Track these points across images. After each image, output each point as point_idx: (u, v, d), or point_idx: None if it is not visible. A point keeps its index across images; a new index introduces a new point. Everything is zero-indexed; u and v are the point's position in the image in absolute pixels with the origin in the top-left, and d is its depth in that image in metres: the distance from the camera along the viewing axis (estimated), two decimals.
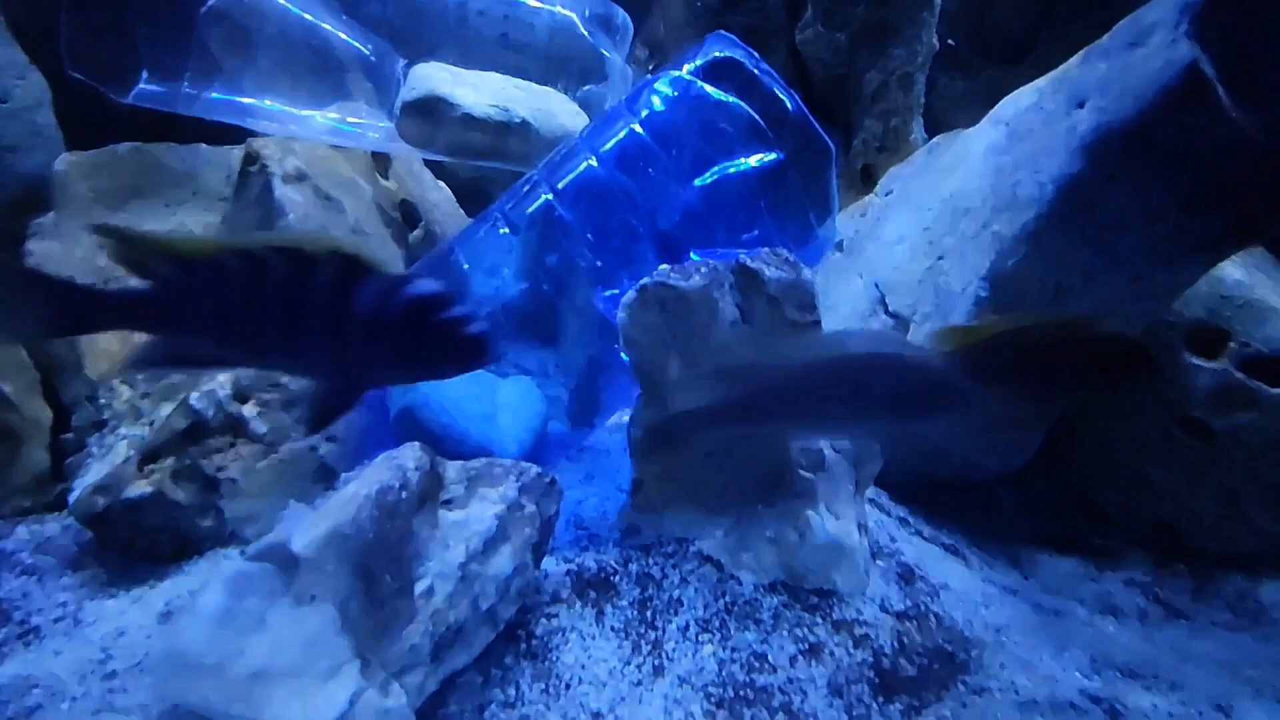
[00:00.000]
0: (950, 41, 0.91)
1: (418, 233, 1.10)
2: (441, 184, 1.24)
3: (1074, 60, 0.66)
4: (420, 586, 0.47)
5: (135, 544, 0.56)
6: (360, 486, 0.47)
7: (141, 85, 0.82)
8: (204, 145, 0.96)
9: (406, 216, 1.08)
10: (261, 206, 0.80)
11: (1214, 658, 0.55)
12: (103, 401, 0.65)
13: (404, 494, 0.48)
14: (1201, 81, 0.55)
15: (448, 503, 0.52)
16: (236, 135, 0.93)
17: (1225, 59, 0.54)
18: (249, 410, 0.61)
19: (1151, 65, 0.57)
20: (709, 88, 0.65)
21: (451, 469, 0.54)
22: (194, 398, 0.59)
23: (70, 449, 0.64)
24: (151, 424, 0.66)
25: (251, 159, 0.82)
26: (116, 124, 0.90)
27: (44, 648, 0.48)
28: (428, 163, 1.17)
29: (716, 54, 0.66)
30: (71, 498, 0.56)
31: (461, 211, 1.24)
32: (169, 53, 0.83)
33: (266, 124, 0.92)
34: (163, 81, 0.84)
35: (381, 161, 1.08)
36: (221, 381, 0.61)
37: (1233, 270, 0.66)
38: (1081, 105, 0.62)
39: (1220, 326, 0.65)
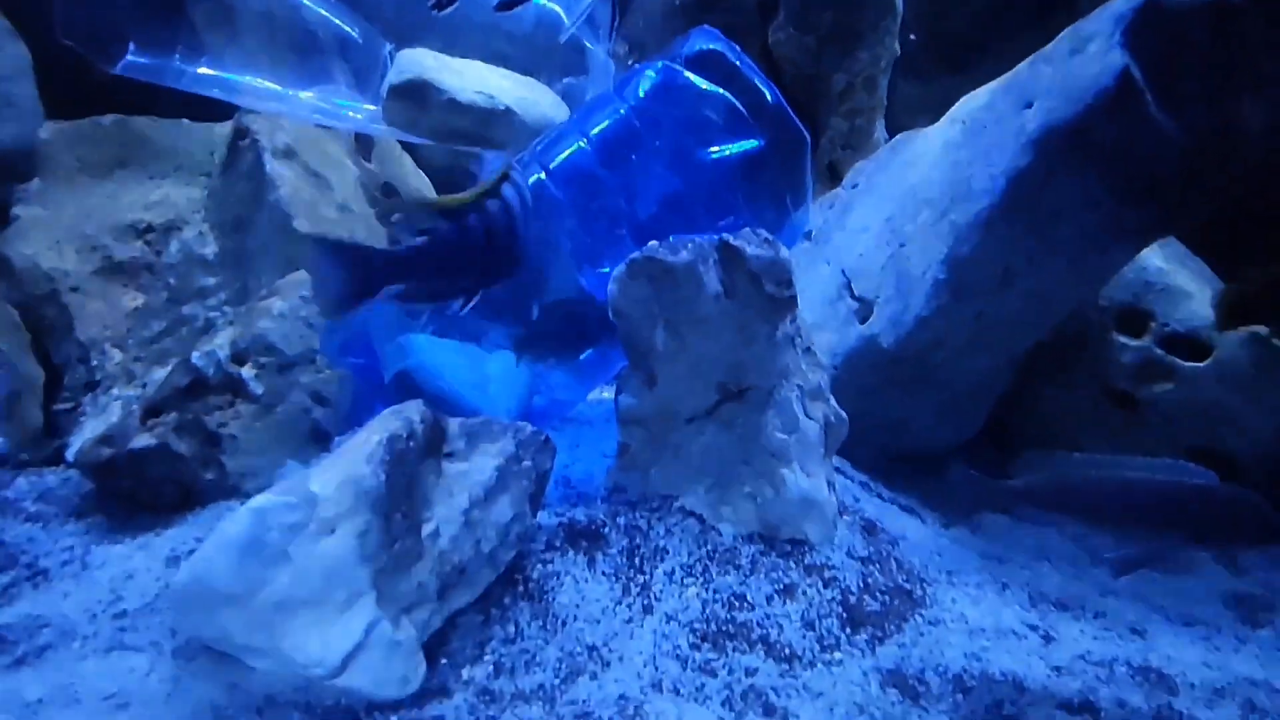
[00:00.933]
0: (912, 36, 0.98)
1: (399, 216, 1.12)
2: (419, 171, 1.26)
3: (1022, 65, 0.73)
4: (427, 529, 0.50)
5: (139, 494, 0.57)
6: (371, 433, 0.50)
7: (129, 57, 0.83)
8: (186, 120, 0.96)
9: (389, 198, 1.10)
10: (253, 180, 0.81)
11: (1131, 592, 0.62)
12: (94, 363, 0.66)
13: (411, 442, 0.51)
14: (1131, 86, 0.62)
15: (450, 455, 0.55)
16: (215, 113, 0.94)
17: (1152, 67, 0.62)
18: (247, 371, 0.63)
19: (1089, 70, 0.64)
20: (694, 77, 0.70)
21: (453, 425, 0.57)
22: (195, 356, 0.60)
23: (64, 408, 0.65)
24: (144, 386, 0.67)
25: (242, 134, 0.84)
26: (99, 97, 0.89)
27: (53, 589, 0.50)
28: (405, 148, 1.19)
29: (702, 46, 0.70)
30: (69, 452, 0.57)
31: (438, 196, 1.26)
32: (157, 26, 0.84)
33: (252, 100, 0.93)
34: (150, 54, 0.84)
35: (363, 145, 1.09)
36: (219, 343, 0.63)
37: (1154, 259, 0.74)
38: (1029, 105, 0.69)
39: (1144, 308, 0.73)
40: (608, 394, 0.91)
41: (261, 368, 0.64)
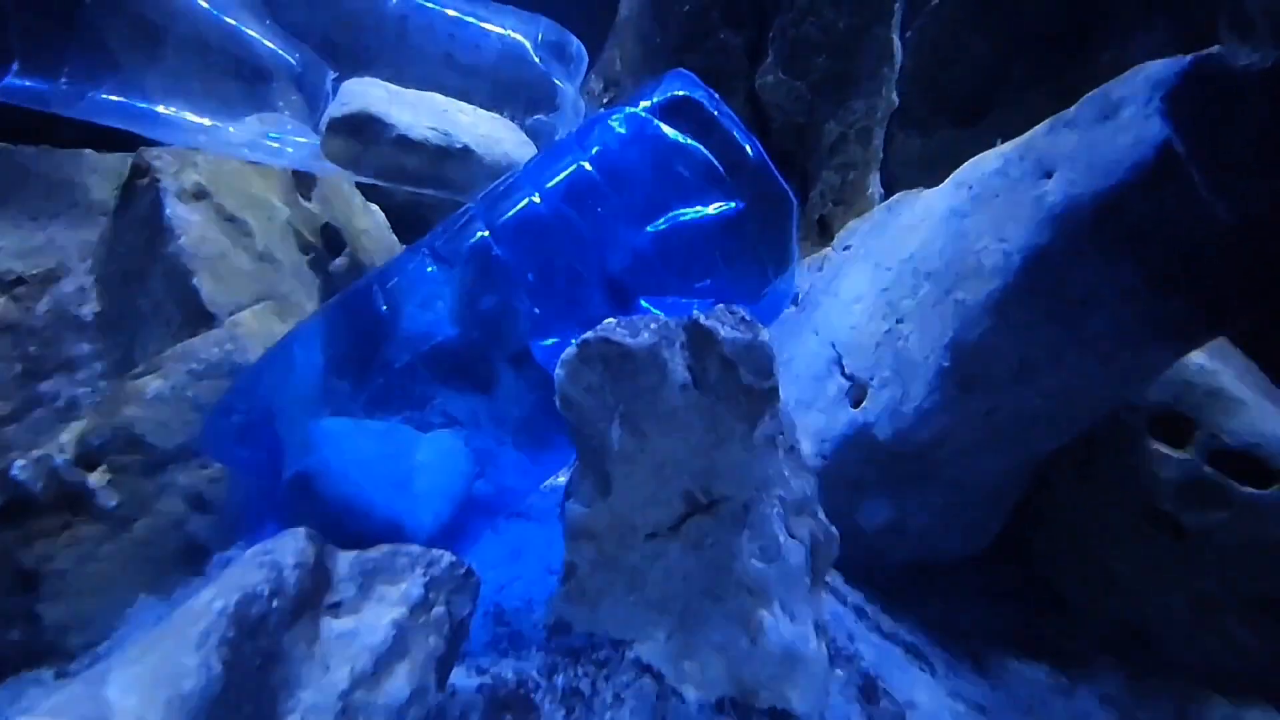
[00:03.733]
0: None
1: (341, 260, 1.00)
2: (374, 207, 1.15)
3: (1039, 129, 0.64)
4: None
5: None
6: (216, 597, 0.37)
7: (9, 79, 0.70)
8: (90, 151, 0.84)
9: (329, 242, 0.98)
10: (149, 226, 0.69)
11: None
12: None
13: (274, 602, 0.39)
14: (1174, 159, 0.53)
15: (334, 606, 0.43)
16: (129, 144, 0.82)
17: (1196, 138, 0.53)
18: (96, 479, 0.50)
19: (1122, 140, 0.55)
20: (666, 127, 0.59)
21: (343, 562, 0.45)
22: (17, 466, 0.47)
23: None
24: None
25: (140, 171, 0.72)
26: None
27: None
28: (360, 184, 1.08)
29: (676, 92, 0.60)
30: None
31: (394, 238, 1.15)
32: (48, 43, 0.72)
33: (169, 133, 0.81)
34: (38, 76, 0.72)
35: (305, 181, 0.98)
36: (63, 442, 0.50)
37: (1195, 355, 0.64)
38: (1049, 175, 0.60)
39: (1186, 414, 0.63)
40: (563, 478, 0.79)
41: (119, 471, 0.52)
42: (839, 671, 0.53)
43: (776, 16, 0.96)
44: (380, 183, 0.91)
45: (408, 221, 1.19)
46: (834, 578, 0.66)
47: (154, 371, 0.57)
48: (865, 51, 0.91)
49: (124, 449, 0.52)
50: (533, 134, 1.00)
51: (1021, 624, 0.64)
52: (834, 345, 0.79)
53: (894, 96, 0.93)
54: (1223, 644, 0.60)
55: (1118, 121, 0.56)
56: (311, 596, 0.42)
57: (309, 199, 0.98)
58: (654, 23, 1.02)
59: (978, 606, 0.65)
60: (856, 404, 0.74)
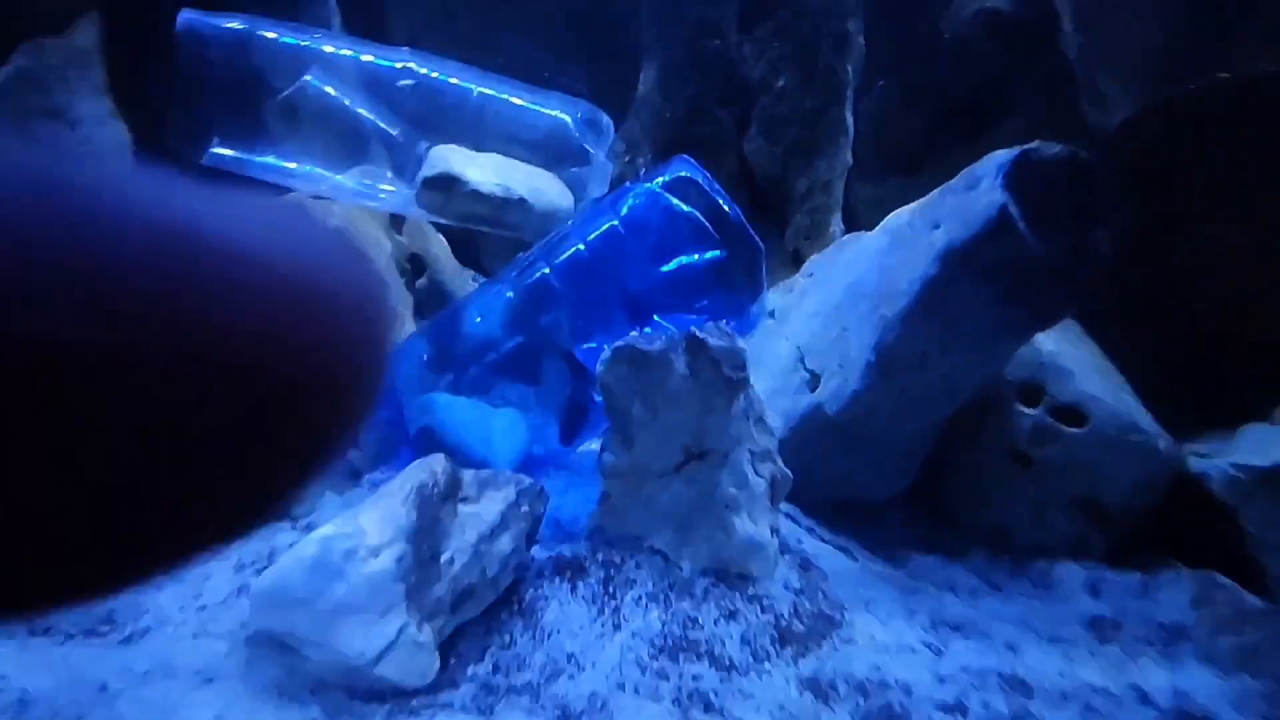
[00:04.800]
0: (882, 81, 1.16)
1: (423, 281, 1.30)
2: (441, 237, 1.44)
3: (934, 193, 0.90)
4: (444, 557, 0.65)
5: None
6: (404, 481, 0.65)
7: (212, 150, 1.01)
8: None
9: (415, 266, 1.28)
10: None
11: (1014, 616, 0.76)
12: None
13: (434, 489, 0.66)
14: (1008, 216, 0.79)
15: (465, 499, 0.70)
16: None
17: (1024, 202, 0.79)
18: None
19: (980, 203, 0.82)
20: (673, 199, 0.87)
21: (467, 475, 0.72)
22: None
23: None
24: None
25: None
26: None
27: (149, 584, 0.63)
28: (431, 223, 1.37)
29: (680, 174, 0.89)
30: None
31: (456, 262, 1.44)
32: (237, 123, 1.03)
33: (302, 184, 1.11)
34: (230, 147, 1.03)
35: (397, 221, 1.28)
36: None
37: (1047, 343, 0.90)
38: (938, 226, 0.87)
39: (1038, 384, 0.90)
40: (594, 446, 1.06)
41: None
42: (786, 556, 0.79)
43: (759, 99, 1.25)
44: (457, 224, 1.20)
45: (462, 249, 1.48)
46: (794, 511, 0.92)
47: None
48: (825, 125, 1.19)
49: None
50: (570, 184, 1.29)
51: (924, 537, 0.89)
52: (799, 348, 1.06)
53: (849, 157, 1.20)
54: (1047, 529, 0.88)
55: (978, 190, 0.83)
56: (452, 490, 0.69)
57: (400, 233, 1.27)
58: (664, 101, 1.31)
59: (895, 529, 0.91)
60: (813, 390, 1.00)
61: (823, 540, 0.87)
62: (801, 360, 1.04)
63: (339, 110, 1.17)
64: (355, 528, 0.59)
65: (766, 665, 0.66)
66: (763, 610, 0.72)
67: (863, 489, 1.00)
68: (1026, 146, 0.80)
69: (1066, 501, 0.88)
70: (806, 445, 0.98)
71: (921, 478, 0.99)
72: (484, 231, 1.36)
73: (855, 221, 1.28)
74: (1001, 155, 0.82)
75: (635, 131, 1.31)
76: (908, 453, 0.97)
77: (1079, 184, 0.78)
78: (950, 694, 0.63)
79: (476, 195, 1.16)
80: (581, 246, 0.89)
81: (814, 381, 1.01)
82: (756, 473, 0.82)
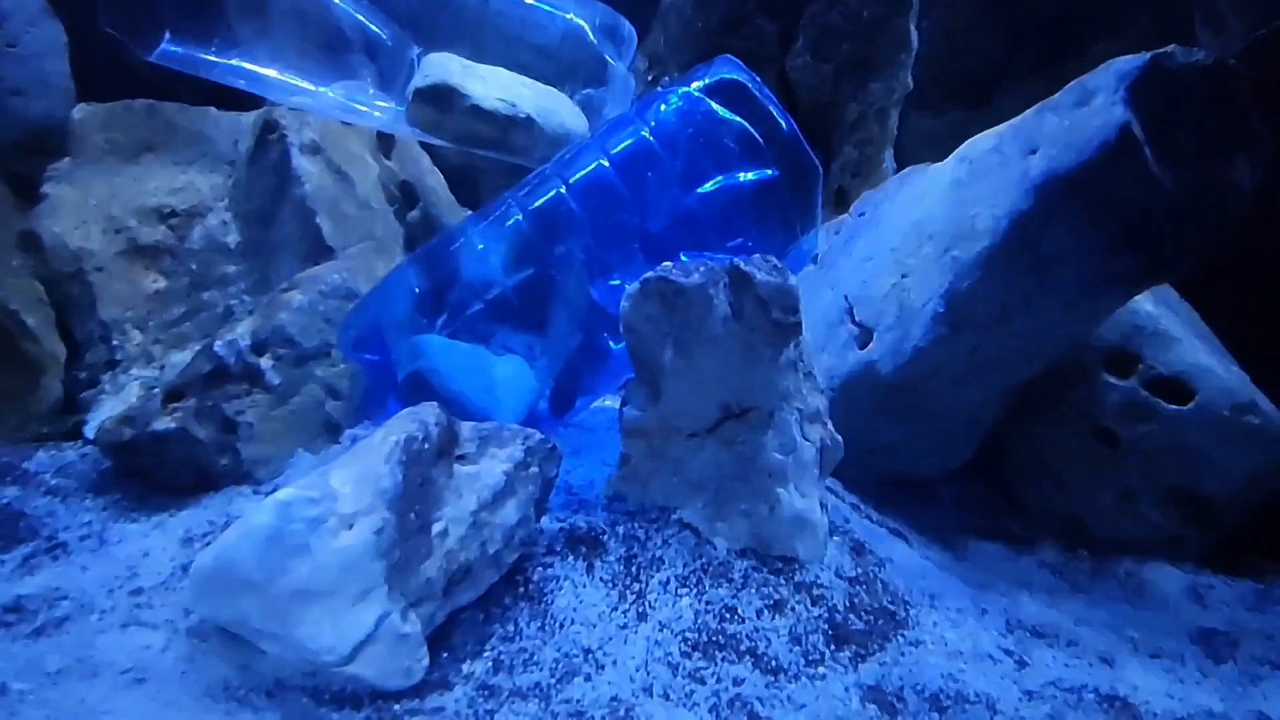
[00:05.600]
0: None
1: (415, 213, 1.14)
2: (436, 170, 1.28)
3: (1030, 112, 0.76)
4: (437, 528, 0.52)
5: (156, 474, 0.59)
6: (389, 434, 0.52)
7: (165, 46, 0.84)
8: (213, 109, 0.98)
9: (406, 196, 1.12)
10: (278, 174, 0.83)
11: (1104, 622, 0.65)
12: (115, 343, 0.68)
13: (425, 444, 0.53)
14: (1131, 140, 0.64)
15: (461, 458, 0.57)
16: (238, 103, 0.96)
17: (1151, 124, 0.65)
18: (265, 362, 0.65)
19: (1093, 123, 0.67)
20: (716, 105, 0.72)
21: (465, 428, 0.59)
22: (218, 345, 0.62)
23: (82, 384, 0.66)
24: (161, 367, 0.69)
25: (271, 128, 0.86)
26: (130, 82, 0.91)
27: (71, 563, 0.51)
28: (424, 147, 1.21)
29: (724, 75, 0.73)
30: (88, 428, 0.59)
31: (452, 197, 1.28)
32: (193, 17, 0.86)
33: (278, 94, 0.95)
34: (185, 44, 0.86)
35: (385, 142, 1.11)
36: (240, 333, 0.65)
37: (1145, 303, 0.77)
38: (1034, 151, 0.72)
39: (1132, 351, 0.77)
40: (609, 402, 0.93)
41: (279, 359, 0.66)
42: (835, 538, 0.67)
43: (807, 6, 1.08)
44: (454, 146, 1.05)
45: (459, 182, 1.32)
46: (835, 485, 0.80)
47: (295, 288, 0.71)
48: (885, 39, 1.02)
49: (281, 344, 0.67)
50: (584, 106, 1.13)
51: (983, 520, 0.78)
52: (846, 298, 0.92)
53: (909, 81, 1.05)
54: (1135, 522, 0.76)
55: (1090, 107, 0.68)
56: (447, 446, 0.56)
57: (389, 158, 1.12)
58: (696, 9, 1.14)
59: (950, 510, 0.79)
60: (863, 347, 0.87)
61: (871, 520, 0.75)
62: (849, 312, 0.91)
63: (319, 5, 0.99)
64: (324, 490, 0.46)
65: (820, 669, 0.55)
66: (813, 602, 0.60)
67: (913, 463, 0.87)
68: (1158, 52, 0.65)
69: (1160, 491, 0.76)
70: (852, 410, 0.85)
71: (979, 453, 0.87)
72: (483, 157, 1.20)
73: (903, 162, 1.13)
74: (1124, 63, 0.67)
75: (659, 45, 1.14)
76: (970, 423, 0.85)
77: (1222, 102, 0.63)
78: (1040, 714, 0.52)
79: (476, 112, 1.00)
80: (604, 161, 0.74)
81: (864, 336, 0.88)
82: (805, 436, 0.70)
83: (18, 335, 0.62)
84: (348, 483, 0.47)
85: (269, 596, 0.44)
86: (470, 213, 1.19)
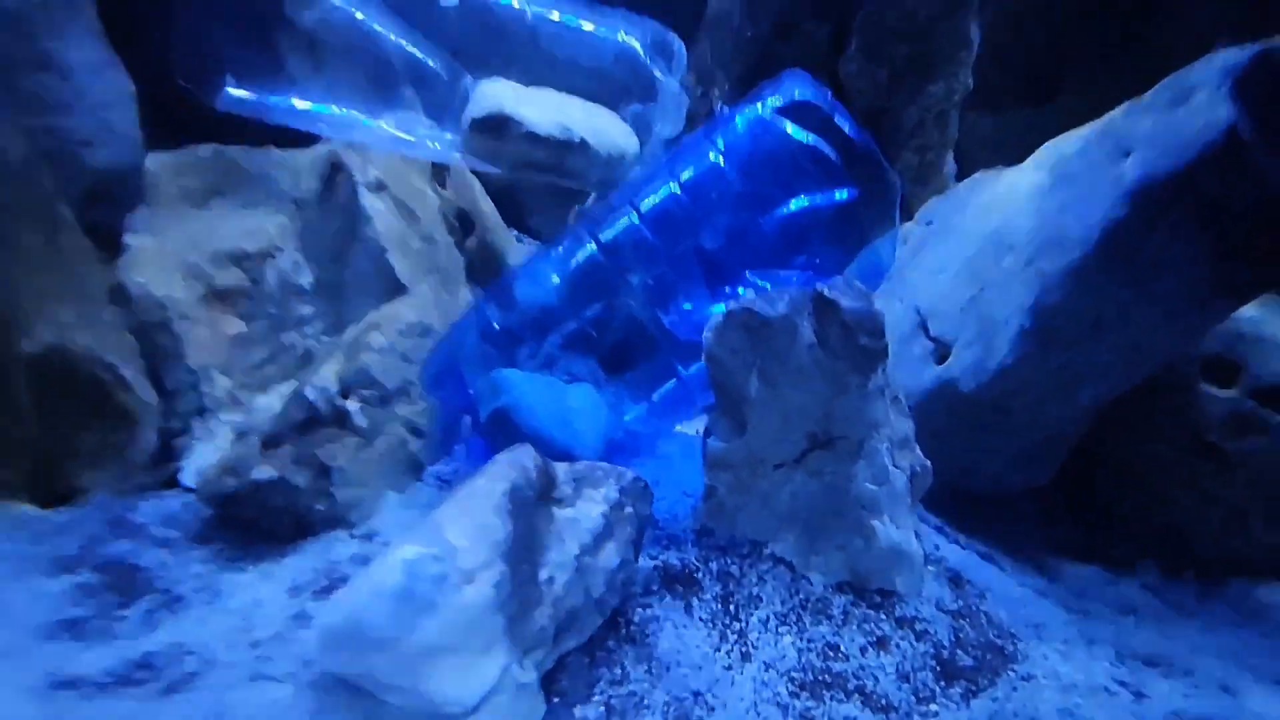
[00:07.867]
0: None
1: (472, 240, 1.15)
2: (485, 194, 1.28)
3: (1117, 113, 0.72)
4: (543, 574, 0.52)
5: (258, 523, 0.60)
6: (494, 482, 0.52)
7: (229, 92, 0.86)
8: (274, 148, 0.99)
9: (463, 224, 1.13)
10: (347, 214, 0.84)
11: (1220, 649, 0.62)
12: (203, 390, 0.69)
13: (529, 491, 0.53)
14: (1239, 142, 0.61)
15: (559, 501, 0.57)
16: (294, 140, 0.97)
17: (1261, 122, 0.61)
18: (351, 404, 0.66)
19: (1194, 123, 0.64)
20: (790, 126, 0.71)
21: (560, 471, 0.59)
22: (308, 390, 0.63)
23: (174, 432, 0.68)
24: (249, 412, 0.70)
25: (337, 168, 0.86)
26: (193, 128, 0.93)
27: (189, 616, 0.52)
28: (474, 173, 1.21)
29: (795, 94, 0.71)
30: (183, 475, 0.60)
31: (501, 220, 1.28)
32: (250, 59, 0.87)
33: (333, 130, 0.96)
34: (245, 86, 0.87)
35: (439, 171, 1.12)
36: (327, 377, 0.66)
37: (1247, 308, 0.73)
38: (1127, 156, 0.69)
39: (1235, 359, 0.73)
40: (682, 429, 0.92)
41: (365, 401, 0.67)
42: (930, 568, 0.65)
43: (860, 7, 1.05)
44: (508, 174, 1.04)
45: (502, 201, 1.31)
46: (916, 506, 0.78)
47: (376, 328, 0.72)
48: (943, 38, 0.99)
49: (365, 385, 0.67)
50: (635, 123, 1.12)
51: (1074, 540, 0.75)
52: (918, 310, 0.90)
53: (969, 79, 1.01)
54: (1244, 541, 0.73)
55: (1190, 106, 0.65)
56: (546, 490, 0.56)
57: (444, 187, 1.12)
58: (746, 18, 1.12)
59: (1036, 528, 0.76)
60: (941, 362, 0.85)
61: (959, 545, 0.73)
62: (923, 326, 0.88)
63: (368, 40, 1.00)
64: (443, 545, 0.46)
65: (932, 706, 0.53)
66: (917, 637, 0.58)
67: (994, 480, 0.85)
68: (1268, 44, 0.61)
69: (1270, 506, 0.73)
70: (929, 428, 0.83)
71: (1062, 468, 0.83)
72: (534, 182, 1.20)
73: (963, 164, 1.10)
74: (1226, 57, 0.63)
75: (706, 58, 1.13)
76: (1055, 438, 0.82)
77: None
78: None
79: (533, 138, 0.99)
80: (674, 187, 0.73)
81: (939, 351, 0.85)
82: (896, 464, 0.68)
83: (117, 389, 0.63)
84: (463, 536, 0.47)
85: (399, 653, 0.44)
86: (516, 238, 1.19)
